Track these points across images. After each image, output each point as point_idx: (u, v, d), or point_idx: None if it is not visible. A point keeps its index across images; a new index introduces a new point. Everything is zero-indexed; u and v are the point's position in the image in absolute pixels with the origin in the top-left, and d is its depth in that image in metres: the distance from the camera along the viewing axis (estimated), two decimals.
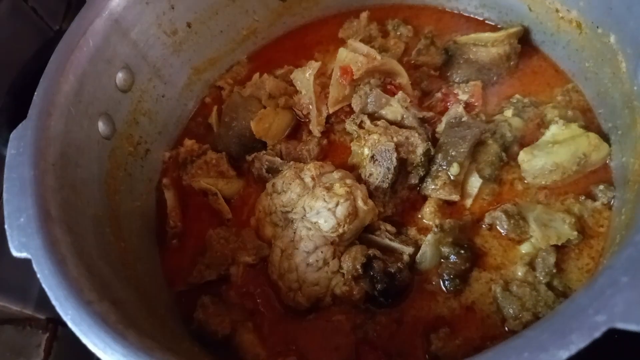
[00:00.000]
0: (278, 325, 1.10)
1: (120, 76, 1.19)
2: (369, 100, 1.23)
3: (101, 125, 1.14)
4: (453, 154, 1.14)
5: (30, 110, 1.00)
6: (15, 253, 0.85)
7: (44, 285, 0.81)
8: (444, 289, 1.06)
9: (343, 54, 1.23)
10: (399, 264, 1.06)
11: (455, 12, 1.43)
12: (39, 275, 0.82)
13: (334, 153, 1.29)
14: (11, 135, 0.98)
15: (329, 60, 1.42)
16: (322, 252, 1.05)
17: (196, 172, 1.29)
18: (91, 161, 1.09)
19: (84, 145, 1.07)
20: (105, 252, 1.00)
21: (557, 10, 1.19)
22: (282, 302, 1.11)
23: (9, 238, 0.87)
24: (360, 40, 1.40)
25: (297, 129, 1.34)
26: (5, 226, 0.88)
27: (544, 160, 1.11)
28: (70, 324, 0.77)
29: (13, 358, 1.51)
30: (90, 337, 0.76)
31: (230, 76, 1.45)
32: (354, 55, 1.21)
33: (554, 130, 1.13)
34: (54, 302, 0.79)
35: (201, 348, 1.04)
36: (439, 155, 1.15)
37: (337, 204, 1.06)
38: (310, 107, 1.30)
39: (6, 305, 1.49)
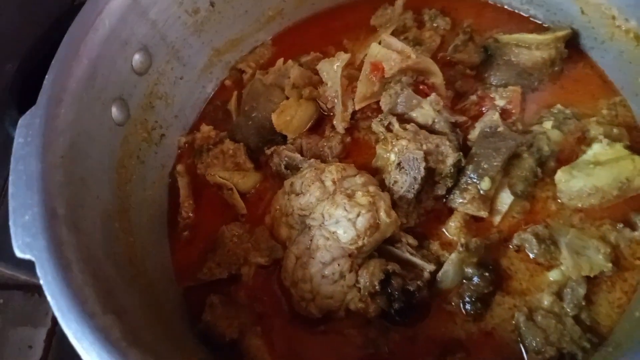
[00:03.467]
0: (287, 332, 1.06)
1: (137, 58, 1.12)
2: (399, 100, 1.15)
3: (114, 111, 1.07)
4: (485, 167, 1.07)
5: (40, 96, 0.94)
6: (19, 254, 0.81)
7: (46, 292, 0.77)
8: (463, 311, 1.01)
9: (375, 49, 1.14)
10: (418, 282, 1.01)
11: (499, 5, 1.32)
12: (41, 282, 0.78)
13: (357, 152, 1.23)
14: (19, 122, 0.92)
15: (359, 49, 1.33)
16: (339, 264, 1.00)
17: (212, 161, 1.24)
18: (102, 150, 1.03)
19: (96, 133, 1.01)
20: (112, 250, 0.96)
21: (613, 18, 1.09)
22: (292, 308, 1.07)
23: (12, 236, 0.82)
24: (394, 30, 1.32)
25: (320, 122, 1.27)
26: (10, 223, 0.84)
27: (582, 182, 1.03)
28: (72, 339, 0.74)
29: (21, 323, 1.52)
30: (92, 354, 0.72)
31: (252, 59, 1.37)
32: (387, 51, 1.13)
33: (597, 150, 1.05)
34: (56, 312, 0.75)
35: (206, 353, 1.01)
36: (470, 167, 1.08)
37: (358, 215, 1.00)
38: (336, 100, 1.22)
39: (15, 274, 1.49)
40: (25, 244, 0.81)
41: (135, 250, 1.04)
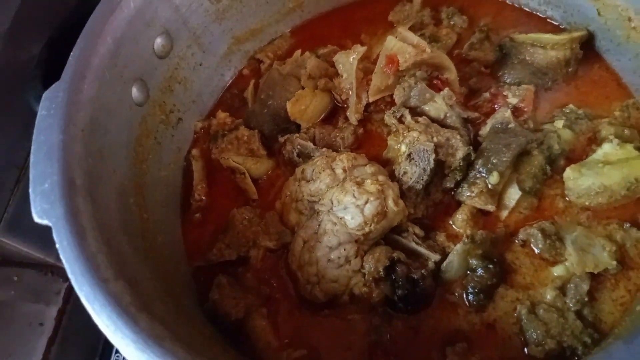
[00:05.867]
0: (292, 315, 1.08)
1: (158, 41, 1.15)
2: (412, 93, 1.17)
3: (135, 91, 1.11)
4: (494, 161, 1.08)
5: (65, 71, 0.97)
6: (37, 219, 0.84)
7: (62, 257, 0.80)
8: (466, 302, 1.02)
9: (391, 42, 1.16)
10: (422, 271, 1.02)
11: (516, 5, 1.33)
12: (57, 246, 0.81)
13: (369, 143, 1.24)
14: (43, 95, 0.96)
15: (376, 44, 1.35)
16: (345, 249, 1.02)
17: (226, 146, 1.26)
18: (121, 127, 1.07)
19: (115, 110, 1.05)
20: (126, 223, 0.99)
21: (629, 19, 1.09)
22: (298, 292, 1.09)
23: (32, 202, 0.86)
24: (411, 27, 1.33)
25: (334, 113, 1.29)
26: (30, 190, 0.87)
27: (591, 180, 1.04)
28: (84, 301, 0.76)
29: (33, 300, 1.55)
30: (102, 317, 0.75)
31: (271, 49, 1.40)
32: (402, 44, 1.15)
33: (607, 149, 1.06)
34: (70, 275, 0.78)
35: (213, 330, 1.03)
36: (479, 161, 1.09)
37: (366, 202, 1.02)
38: (350, 92, 1.24)
39: (30, 252, 1.52)
40: (44, 210, 0.84)
41: (148, 225, 1.07)
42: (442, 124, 1.15)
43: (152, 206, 1.11)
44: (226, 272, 1.13)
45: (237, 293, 1.09)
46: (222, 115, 1.31)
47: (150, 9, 1.10)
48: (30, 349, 1.47)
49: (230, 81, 1.40)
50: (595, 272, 0.98)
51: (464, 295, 1.03)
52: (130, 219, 1.02)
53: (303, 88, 1.26)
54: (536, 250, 1.04)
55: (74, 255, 0.80)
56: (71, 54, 0.99)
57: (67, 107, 0.94)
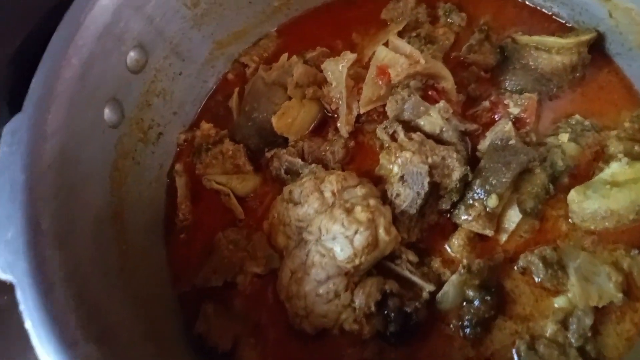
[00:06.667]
0: (282, 345, 1.04)
1: (132, 56, 1.07)
2: (405, 107, 1.09)
3: (108, 113, 1.03)
4: (493, 182, 1.01)
5: (26, 100, 0.90)
6: (1, 274, 0.78)
7: (26, 318, 0.75)
8: (462, 334, 0.97)
9: (382, 53, 1.07)
10: (416, 303, 0.97)
11: (519, 0, 1.23)
12: (21, 307, 0.76)
13: (361, 157, 1.17)
14: (4, 129, 0.89)
15: (368, 44, 1.26)
16: (334, 283, 0.96)
17: (211, 162, 1.19)
18: (95, 154, 1.00)
19: (87, 137, 0.98)
20: (102, 262, 0.93)
21: None
22: (288, 321, 1.04)
23: None
24: (406, 26, 1.24)
25: (324, 123, 1.21)
26: None
27: (597, 204, 0.97)
28: None
29: None
30: None
31: (256, 52, 1.31)
32: (394, 55, 1.06)
33: (615, 169, 0.98)
34: (33, 341, 0.73)
35: None
36: (477, 182, 1.02)
37: (356, 232, 0.96)
38: (340, 102, 1.16)
39: None
40: (7, 263, 0.79)
41: (127, 257, 1.02)
42: (438, 139, 1.07)
43: (132, 234, 1.06)
44: (214, 297, 1.09)
45: (225, 322, 1.05)
46: (206, 126, 1.24)
47: (119, 23, 1.01)
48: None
49: (214, 87, 1.31)
50: (600, 306, 0.92)
51: (460, 328, 0.98)
52: (108, 254, 0.96)
53: (290, 98, 1.18)
54: (537, 279, 0.98)
55: (40, 318, 0.75)
56: (33, 79, 0.92)
57: (31, 141, 0.87)
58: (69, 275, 0.82)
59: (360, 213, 0.98)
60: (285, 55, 1.25)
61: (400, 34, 1.23)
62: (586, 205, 0.98)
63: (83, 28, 0.96)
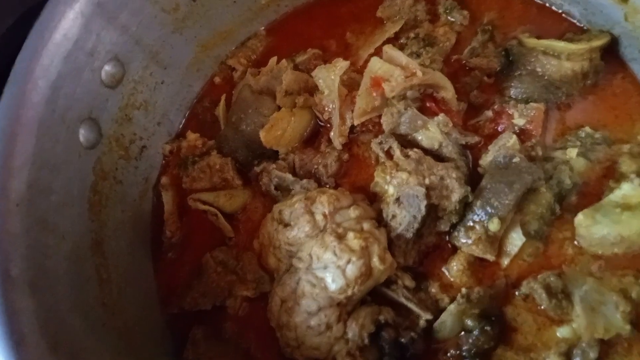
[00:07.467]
0: None
1: (107, 70, 0.99)
2: (402, 120, 1.01)
3: (83, 133, 0.97)
4: (495, 204, 0.94)
5: None
6: None
7: None
8: None
9: (376, 64, 0.99)
10: (412, 334, 0.92)
11: None
12: None
13: (355, 170, 1.11)
14: None
15: (363, 44, 1.18)
16: (325, 315, 0.92)
17: (198, 175, 1.13)
18: (70, 180, 0.94)
19: (61, 163, 0.92)
20: (81, 297, 0.89)
21: None
22: (279, 347, 1.00)
23: None
24: (404, 25, 1.15)
25: (316, 133, 1.14)
26: None
27: (607, 229, 0.91)
28: None
29: None
30: None
31: (243, 54, 1.23)
32: (389, 67, 0.98)
33: (627, 191, 0.91)
34: None
35: None
36: (478, 203, 0.96)
37: (348, 262, 0.91)
38: (333, 112, 1.09)
39: None
40: None
41: (110, 288, 0.97)
42: (437, 155, 1.01)
43: (114, 260, 1.01)
44: (204, 320, 1.05)
45: (214, 350, 1.01)
46: (192, 136, 1.17)
47: (90, 36, 0.94)
48: None
49: (201, 92, 1.24)
50: (606, 339, 0.87)
51: (458, 357, 0.93)
52: (87, 289, 0.92)
53: (279, 108, 1.11)
54: (540, 307, 0.93)
55: None
56: None
57: None
58: (43, 323, 0.78)
59: (353, 240, 0.92)
60: (274, 59, 1.17)
61: (397, 34, 1.15)
62: (595, 230, 0.91)
63: (49, 45, 0.89)
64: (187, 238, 1.13)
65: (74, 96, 0.94)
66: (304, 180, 1.07)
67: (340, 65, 1.05)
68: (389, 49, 1.00)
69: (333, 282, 0.91)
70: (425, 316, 0.94)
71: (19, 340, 0.73)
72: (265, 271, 1.05)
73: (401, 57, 0.98)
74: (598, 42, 0.99)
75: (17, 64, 0.87)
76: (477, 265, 0.98)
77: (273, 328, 1.00)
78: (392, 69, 0.97)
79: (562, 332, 0.91)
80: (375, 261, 0.92)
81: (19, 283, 0.78)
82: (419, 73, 0.96)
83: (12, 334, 0.73)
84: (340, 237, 0.93)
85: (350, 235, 0.93)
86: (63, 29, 0.90)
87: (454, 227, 0.98)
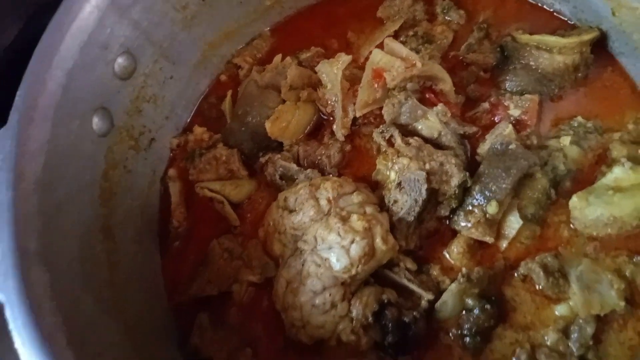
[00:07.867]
0: (278, 355, 1.02)
1: (119, 62, 1.03)
2: (402, 110, 1.06)
3: (96, 122, 1.00)
4: (493, 189, 0.98)
5: (11, 115, 0.88)
6: None
7: (15, 339, 0.74)
8: (461, 343, 0.96)
9: (377, 56, 1.04)
10: (414, 313, 0.95)
11: None
12: (11, 327, 0.74)
13: (358, 161, 1.14)
14: None
15: (364, 43, 1.23)
16: (330, 294, 0.94)
17: (204, 167, 1.17)
18: (83, 167, 0.97)
19: (74, 149, 0.95)
20: (91, 278, 0.92)
21: None
22: (284, 331, 1.02)
23: None
24: (403, 24, 1.20)
25: (319, 126, 1.18)
26: None
27: (600, 210, 0.95)
28: None
29: None
30: None
31: (249, 53, 1.27)
32: (390, 58, 1.02)
33: (618, 174, 0.96)
34: None
35: None
36: (477, 187, 1.00)
37: (352, 241, 0.94)
38: (336, 104, 1.13)
39: None
40: None
41: (118, 271, 1.00)
42: (436, 143, 1.05)
43: (124, 245, 1.04)
44: (209, 307, 1.07)
45: (220, 335, 1.03)
46: (199, 130, 1.21)
47: (104, 30, 0.98)
48: None
49: (207, 89, 1.28)
50: (602, 315, 0.90)
51: (459, 337, 0.96)
52: (97, 271, 0.95)
53: (283, 101, 1.15)
54: (538, 287, 0.96)
55: (29, 337, 0.74)
56: (17, 94, 0.89)
57: (15, 158, 0.85)
58: (58, 296, 0.80)
59: (357, 222, 0.95)
60: (279, 56, 1.22)
61: (397, 33, 1.20)
62: (588, 211, 0.95)
63: (67, 37, 0.93)
64: (193, 228, 1.16)
65: (88, 86, 0.98)
66: (308, 170, 1.11)
67: (343, 59, 1.10)
68: (390, 42, 1.06)
69: (337, 261, 0.94)
70: (427, 296, 0.97)
71: (37, 308, 0.76)
72: (270, 258, 1.08)
73: (402, 49, 1.03)
74: (588, 36, 1.04)
75: (36, 54, 0.91)
76: (476, 248, 1.01)
77: (278, 313, 1.02)
78: (393, 60, 1.02)
79: (560, 309, 0.94)
80: (378, 242, 0.95)
81: (36, 257, 0.81)
82: (419, 64, 1.01)
83: (31, 301, 0.76)
84: (344, 220, 0.96)
85: (354, 217, 0.96)
86: (79, 22, 0.94)
87: (453, 211, 1.02)
